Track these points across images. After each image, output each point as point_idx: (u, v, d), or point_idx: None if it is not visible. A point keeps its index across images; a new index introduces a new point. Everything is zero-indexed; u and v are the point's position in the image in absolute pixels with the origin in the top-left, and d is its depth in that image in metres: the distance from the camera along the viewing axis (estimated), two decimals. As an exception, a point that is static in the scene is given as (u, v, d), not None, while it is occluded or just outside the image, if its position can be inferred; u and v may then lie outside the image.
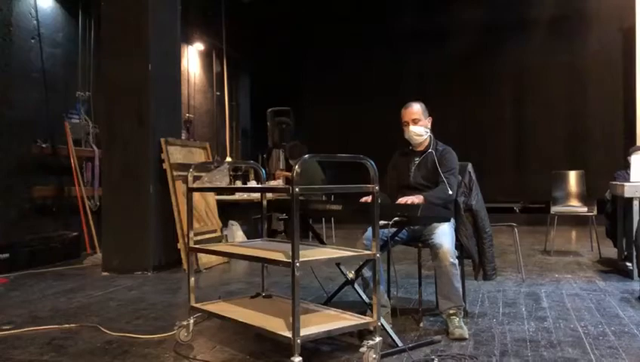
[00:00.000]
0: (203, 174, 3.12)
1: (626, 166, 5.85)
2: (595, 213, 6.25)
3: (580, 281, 4.81)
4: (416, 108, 3.56)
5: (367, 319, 2.83)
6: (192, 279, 3.19)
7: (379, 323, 2.78)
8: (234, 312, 2.98)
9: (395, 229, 3.08)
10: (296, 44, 11.03)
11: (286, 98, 9.95)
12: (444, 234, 3.29)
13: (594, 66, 9.82)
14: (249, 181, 7.94)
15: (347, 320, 2.84)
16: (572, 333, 3.29)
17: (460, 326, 3.23)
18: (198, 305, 3.15)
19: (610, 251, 6.08)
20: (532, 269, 5.34)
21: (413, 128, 3.54)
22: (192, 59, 10.02)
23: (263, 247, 3.10)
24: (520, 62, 10.31)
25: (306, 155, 2.52)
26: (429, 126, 3.63)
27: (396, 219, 2.86)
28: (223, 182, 3.12)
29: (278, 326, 2.70)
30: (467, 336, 3.19)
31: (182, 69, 9.57)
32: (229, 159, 9.14)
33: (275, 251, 2.87)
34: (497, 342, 3.13)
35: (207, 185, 3.12)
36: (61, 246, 6.25)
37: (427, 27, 10.20)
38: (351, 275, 3.22)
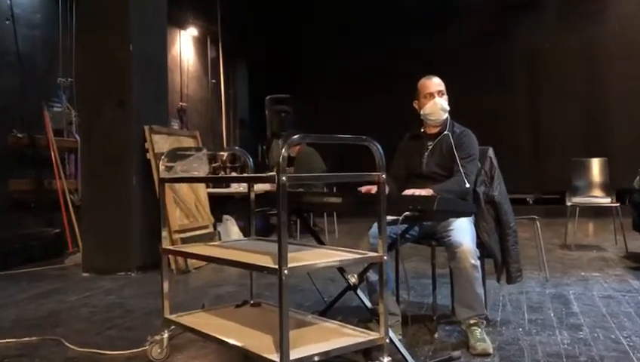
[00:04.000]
0: (177, 163, 2.63)
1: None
2: (619, 203, 5.72)
3: (611, 280, 4.30)
4: (439, 80, 3.07)
5: (373, 335, 2.33)
6: (166, 285, 2.70)
7: (387, 340, 2.29)
8: (214, 326, 2.49)
9: (405, 226, 2.57)
10: (296, 29, 10.43)
11: (286, 85, 9.42)
12: (463, 231, 2.79)
13: (612, 47, 9.18)
14: (246, 173, 7.43)
15: (349, 336, 2.35)
16: (615, 346, 2.79)
17: (482, 339, 2.73)
18: (172, 317, 2.66)
19: (638, 245, 5.58)
20: (554, 266, 4.84)
21: (439, 101, 3.03)
22: (186, 44, 9.51)
23: (249, 249, 2.61)
24: (532, 44, 9.64)
25: (296, 136, 2.02)
26: None
27: (407, 213, 2.36)
28: (201, 171, 2.63)
29: (264, 345, 2.21)
30: (491, 351, 2.70)
31: (174, 54, 9.10)
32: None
33: (262, 254, 2.38)
34: (528, 358, 2.64)
35: (182, 174, 2.63)
36: (41, 245, 5.79)
37: (432, 9, 9.56)
38: (353, 280, 2.72)
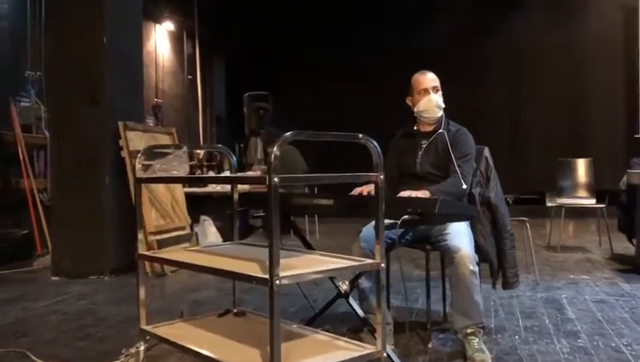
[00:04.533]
0: (155, 162, 2.42)
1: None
2: (604, 204, 5.65)
3: (602, 284, 4.21)
4: (434, 75, 2.91)
5: (369, 348, 2.16)
6: (142, 292, 2.50)
7: (385, 354, 2.12)
8: (195, 339, 2.29)
9: (402, 230, 2.40)
10: (275, 24, 10.20)
11: (264, 82, 9.21)
12: (461, 235, 2.63)
13: (593, 46, 9.16)
14: (224, 172, 7.20)
15: (343, 349, 2.17)
16: (617, 355, 2.67)
17: (480, 350, 2.59)
18: (149, 329, 2.45)
19: (623, 246, 5.51)
20: (542, 269, 4.73)
21: (434, 97, 2.87)
22: (161, 39, 9.23)
23: (233, 255, 2.42)
24: (514, 42, 9.56)
25: (288, 133, 1.84)
26: None
27: (406, 217, 2.19)
28: (181, 170, 2.42)
29: (251, 360, 2.03)
30: (490, 362, 2.56)
31: (149, 49, 8.82)
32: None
33: (249, 261, 2.19)
34: (528, 370, 2.50)
35: (161, 174, 2.42)
36: (8, 247, 5.48)
37: (414, 4, 9.42)
38: (345, 287, 2.55)
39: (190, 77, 9.86)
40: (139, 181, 2.46)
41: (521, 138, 9.73)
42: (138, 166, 2.46)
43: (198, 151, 7.91)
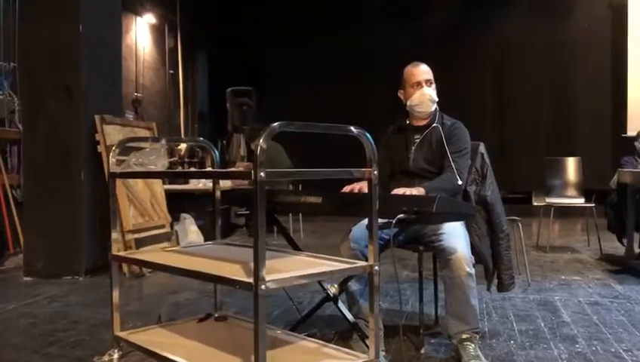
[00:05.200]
0: (131, 156, 2.24)
1: (634, 152, 5.22)
2: (594, 204, 5.57)
3: (594, 285, 4.10)
4: (428, 68, 2.77)
5: (361, 356, 2.01)
6: (116, 295, 2.32)
7: (378, 363, 1.97)
8: (173, 347, 2.12)
9: (396, 229, 2.25)
10: (259, 17, 9.99)
11: (248, 77, 9.02)
12: (456, 235, 2.49)
13: (580, 45, 9.07)
14: (206, 168, 7.01)
15: (333, 358, 2.02)
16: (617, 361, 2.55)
17: (476, 356, 2.45)
18: (124, 335, 2.28)
19: (611, 246, 5.44)
20: (532, 269, 4.60)
21: (428, 90, 2.73)
22: (142, 32, 8.97)
23: (215, 256, 2.25)
24: (500, 40, 9.45)
25: (276, 124, 1.68)
26: None
27: (401, 216, 2.04)
28: (159, 164, 2.25)
29: (234, 371, 1.87)
30: (487, 369, 2.42)
31: (130, 43, 8.57)
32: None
33: (232, 263, 2.03)
34: (527, 378, 2.37)
35: (137, 168, 2.24)
36: (-22, 245, 5.25)
37: (401, 1, 9.28)
38: (334, 290, 2.40)
39: (172, 71, 9.63)
40: (113, 176, 2.29)
41: (507, 136, 9.62)
42: (112, 160, 2.28)
43: (180, 147, 7.68)
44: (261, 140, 1.61)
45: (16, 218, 5.43)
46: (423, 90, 2.74)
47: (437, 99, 2.77)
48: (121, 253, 2.29)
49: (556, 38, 9.09)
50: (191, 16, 9.43)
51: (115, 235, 2.32)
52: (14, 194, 5.60)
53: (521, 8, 9.05)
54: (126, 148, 2.41)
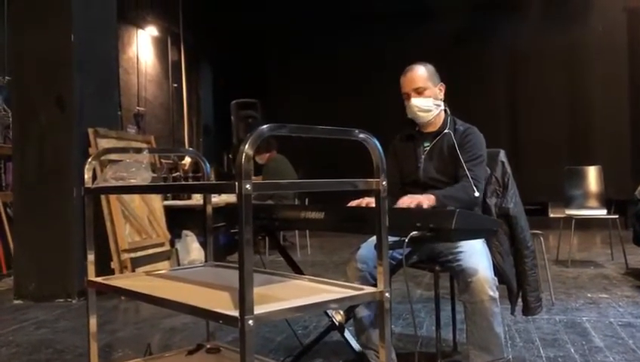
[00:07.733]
0: (108, 168, 1.99)
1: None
2: (617, 215, 5.26)
3: (624, 304, 3.79)
4: (420, 73, 2.48)
5: (370, 398, 1.72)
6: (93, 323, 2.06)
7: (390, 407, 1.68)
8: (155, 387, 1.85)
9: (409, 248, 1.96)
10: (263, 29, 9.77)
11: (253, 89, 8.78)
12: (477, 254, 2.20)
13: (595, 50, 8.75)
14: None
15: (338, 401, 1.74)
16: (664, 396, 2.24)
17: (502, 391, 2.15)
18: (101, 372, 2.01)
19: (638, 260, 5.12)
20: (555, 286, 4.30)
21: (415, 101, 2.46)
22: (144, 45, 8.79)
23: (204, 281, 1.98)
24: (513, 46, 9.14)
25: (265, 126, 1.41)
26: (442, 97, 2.56)
27: (415, 234, 1.77)
28: (139, 178, 1.99)
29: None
30: (515, 406, 2.12)
31: (131, 55, 8.39)
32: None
33: (221, 290, 1.76)
34: (562, 416, 2.07)
35: (115, 182, 1.99)
36: (-30, 266, 5.03)
37: (409, 6, 8.98)
38: (339, 317, 2.12)
39: (175, 85, 9.43)
40: (87, 192, 2.03)
41: (521, 145, 9.28)
42: (87, 175, 2.03)
43: (184, 161, 7.45)
44: (246, 146, 1.35)
45: (9, 237, 5.22)
46: (410, 103, 2.48)
47: (432, 108, 2.49)
48: (98, 279, 2.03)
49: (571, 42, 8.77)
50: (194, 29, 9.24)
51: (91, 257, 2.06)
52: (9, 212, 5.38)
53: (534, 13, 8.75)
54: (106, 159, 2.16)
